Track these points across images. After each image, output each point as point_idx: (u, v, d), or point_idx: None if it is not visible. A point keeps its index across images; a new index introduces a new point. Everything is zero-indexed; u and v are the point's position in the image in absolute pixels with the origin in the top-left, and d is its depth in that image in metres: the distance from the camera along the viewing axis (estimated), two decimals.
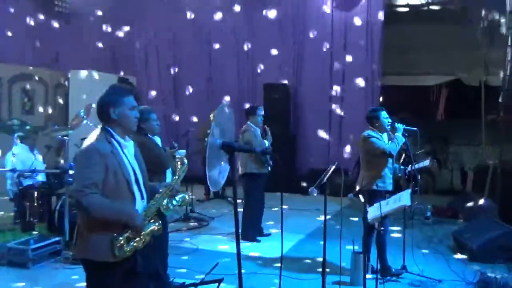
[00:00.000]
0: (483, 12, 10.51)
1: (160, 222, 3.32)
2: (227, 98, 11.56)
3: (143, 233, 3.16)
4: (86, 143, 3.22)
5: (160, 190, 3.39)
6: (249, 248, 6.83)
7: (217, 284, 1.58)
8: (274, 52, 11.71)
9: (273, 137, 7.48)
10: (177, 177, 3.62)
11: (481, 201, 8.34)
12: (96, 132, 3.22)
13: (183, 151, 6.18)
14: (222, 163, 3.40)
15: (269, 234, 7.38)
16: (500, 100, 8.95)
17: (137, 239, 3.12)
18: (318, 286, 5.08)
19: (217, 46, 12.13)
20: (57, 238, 6.51)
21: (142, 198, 3.28)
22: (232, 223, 8.12)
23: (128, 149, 3.27)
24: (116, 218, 3.07)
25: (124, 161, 3.18)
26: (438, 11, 11.40)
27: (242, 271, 2.77)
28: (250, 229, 7.18)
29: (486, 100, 10.83)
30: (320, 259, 5.98)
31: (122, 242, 3.03)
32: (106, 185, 3.06)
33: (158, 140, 5.24)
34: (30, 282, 5.60)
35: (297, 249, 6.87)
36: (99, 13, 12.34)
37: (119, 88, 3.44)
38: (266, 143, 7.22)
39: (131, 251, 3.10)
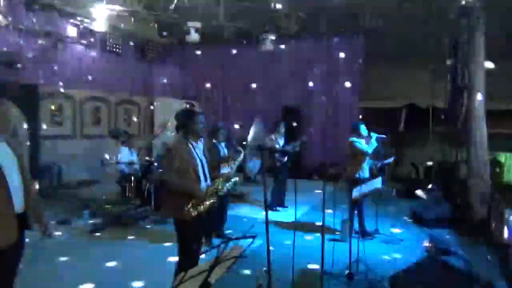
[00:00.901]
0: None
1: (216, 198, 3.37)
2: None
3: (204, 203, 3.22)
4: (170, 143, 3.34)
5: (222, 175, 3.48)
6: (273, 216, 6.79)
7: (251, 239, 1.59)
8: (290, 83, 11.71)
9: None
10: (231, 169, 3.69)
11: (429, 186, 8.15)
12: (178, 136, 3.33)
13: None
14: (255, 158, 3.47)
15: (287, 207, 7.29)
16: (443, 117, 8.92)
17: (200, 206, 3.18)
18: (318, 241, 5.10)
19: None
20: (146, 207, 6.61)
21: (206, 180, 3.35)
22: (261, 197, 8.08)
23: (198, 148, 3.35)
24: (184, 191, 3.16)
25: (194, 155, 3.25)
26: (399, 57, 11.26)
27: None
28: (273, 202, 7.15)
29: (433, 117, 10.67)
30: (319, 223, 5.99)
31: (190, 207, 3.11)
32: (180, 170, 3.17)
33: (222, 144, 5.33)
34: (129, 234, 5.68)
35: (304, 217, 6.83)
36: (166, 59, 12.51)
37: (191, 110, 3.53)
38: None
39: (196, 213, 3.16)
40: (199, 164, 3.29)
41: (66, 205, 7.26)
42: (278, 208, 7.14)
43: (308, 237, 5.65)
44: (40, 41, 8.89)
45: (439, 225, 6.12)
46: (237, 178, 3.70)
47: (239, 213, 6.94)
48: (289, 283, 3.79)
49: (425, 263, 3.87)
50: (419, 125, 12.02)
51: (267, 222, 2.48)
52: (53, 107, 9.08)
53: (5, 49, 8.17)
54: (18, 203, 2.46)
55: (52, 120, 9.10)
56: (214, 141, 5.22)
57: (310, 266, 4.37)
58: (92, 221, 6.24)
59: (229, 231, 5.66)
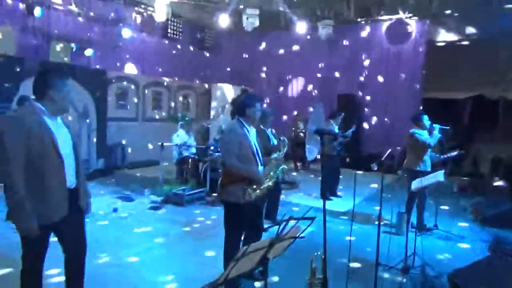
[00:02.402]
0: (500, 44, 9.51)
1: (272, 181, 3.38)
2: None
3: (262, 187, 3.24)
4: (228, 128, 3.39)
5: (272, 162, 3.47)
6: (326, 204, 6.69)
7: (310, 220, 1.58)
8: (347, 71, 11.38)
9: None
10: (281, 153, 3.66)
11: (496, 183, 7.59)
12: (234, 121, 3.35)
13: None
14: (314, 144, 3.42)
15: (340, 196, 7.16)
16: None
17: (258, 190, 3.20)
18: (373, 232, 4.97)
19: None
20: (202, 189, 6.76)
21: (261, 165, 3.36)
22: (312, 185, 8.04)
23: (252, 134, 3.36)
24: (246, 175, 3.18)
25: (250, 140, 3.28)
26: (467, 45, 10.47)
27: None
28: (326, 191, 7.06)
29: (503, 110, 9.87)
30: (373, 214, 5.83)
31: (249, 191, 3.13)
32: (240, 154, 3.19)
33: (269, 131, 5.30)
34: (186, 215, 5.89)
35: (357, 207, 6.64)
36: (223, 46, 12.65)
37: (253, 96, 3.50)
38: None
39: (255, 197, 3.19)
40: (254, 148, 3.32)
41: (129, 183, 7.69)
42: (331, 197, 7.03)
43: (355, 227, 5.52)
44: (107, 28, 9.42)
45: (503, 224, 5.69)
46: (284, 166, 3.67)
47: (291, 201, 6.93)
48: (342, 271, 3.75)
49: (490, 262, 3.63)
50: (486, 118, 11.23)
51: (324, 208, 2.46)
52: (119, 91, 9.60)
53: (77, 36, 8.74)
54: (71, 180, 2.53)
55: (118, 103, 9.63)
56: (262, 127, 5.19)
57: (364, 257, 4.27)
58: (152, 199, 6.56)
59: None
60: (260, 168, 3.33)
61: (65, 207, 2.47)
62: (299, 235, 1.82)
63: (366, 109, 11.14)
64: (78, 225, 2.67)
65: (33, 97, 2.51)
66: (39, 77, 2.48)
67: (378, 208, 3.84)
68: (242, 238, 3.47)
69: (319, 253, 2.40)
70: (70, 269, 2.73)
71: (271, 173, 3.37)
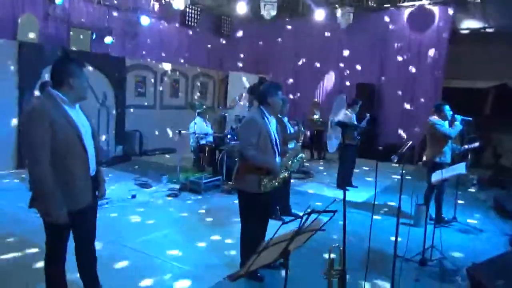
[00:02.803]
0: None
1: (289, 172, 3.37)
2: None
3: (278, 177, 3.23)
4: (249, 116, 3.36)
5: (290, 151, 3.45)
6: (341, 195, 6.67)
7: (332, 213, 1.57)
8: (366, 61, 11.17)
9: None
10: (299, 143, 3.65)
11: None
12: (255, 110, 3.34)
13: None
14: (336, 134, 3.39)
15: (357, 187, 7.11)
16: None
17: (274, 181, 3.20)
18: (391, 224, 4.93)
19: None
20: (218, 177, 6.76)
21: (279, 155, 3.34)
22: (328, 175, 7.97)
23: (272, 123, 3.33)
24: (263, 165, 3.16)
25: (270, 130, 3.25)
26: (491, 33, 10.12)
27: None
28: (343, 181, 7.02)
29: None
30: (390, 205, 5.78)
31: (265, 181, 3.13)
32: (259, 144, 3.17)
33: (285, 119, 5.25)
34: (202, 202, 5.95)
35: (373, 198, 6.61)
36: (240, 34, 12.54)
37: (275, 84, 3.45)
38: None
39: (270, 188, 3.19)
40: (274, 138, 3.29)
41: (146, 170, 7.80)
42: (347, 187, 6.98)
43: (377, 217, 5.49)
44: (126, 16, 9.46)
45: None
46: (303, 155, 3.64)
47: (306, 190, 6.93)
48: (359, 261, 3.75)
49: (510, 257, 3.56)
50: (510, 108, 10.90)
51: (344, 199, 2.44)
52: (137, 79, 9.68)
53: (96, 23, 8.81)
54: (92, 167, 2.57)
55: (136, 90, 9.72)
56: (279, 115, 5.15)
57: (381, 248, 4.24)
58: (169, 187, 6.64)
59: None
60: (278, 158, 3.32)
61: (90, 194, 2.53)
62: (320, 227, 1.82)
63: (385, 99, 10.94)
64: (93, 212, 2.73)
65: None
66: (57, 65, 2.47)
67: (395, 199, 3.82)
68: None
69: (337, 244, 2.39)
70: (81, 257, 2.76)
71: (289, 162, 3.36)
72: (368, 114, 7.31)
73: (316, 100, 10.76)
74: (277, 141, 3.33)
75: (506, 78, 10.55)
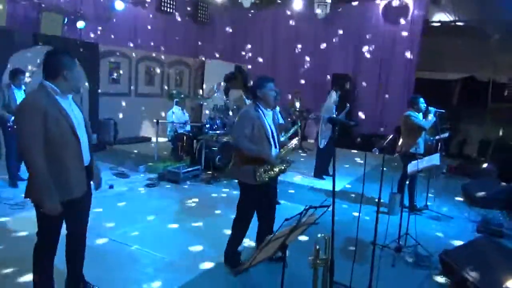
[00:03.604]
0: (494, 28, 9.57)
1: (286, 164, 3.43)
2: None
3: (274, 168, 3.29)
4: (243, 109, 3.46)
5: (289, 145, 3.50)
6: (318, 184, 6.83)
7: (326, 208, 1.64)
8: (342, 51, 11.32)
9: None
10: (296, 140, 3.70)
11: (484, 165, 7.80)
12: (250, 104, 3.44)
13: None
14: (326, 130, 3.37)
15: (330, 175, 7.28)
16: (505, 93, 8.36)
17: (271, 172, 3.26)
18: (366, 213, 5.11)
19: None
20: (197, 166, 6.75)
21: (276, 147, 3.41)
22: (304, 164, 8.01)
23: (268, 116, 3.41)
24: (258, 156, 3.23)
25: (265, 123, 3.32)
26: (461, 26, 10.47)
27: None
28: (320, 171, 7.17)
29: (493, 92, 10.04)
30: (366, 194, 5.94)
31: (261, 171, 3.19)
32: (253, 136, 3.24)
33: (277, 110, 5.26)
34: (180, 192, 5.93)
35: (348, 187, 6.81)
36: (217, 21, 12.41)
37: (264, 77, 3.49)
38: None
39: (267, 178, 3.24)
40: (269, 131, 3.34)
41: (122, 159, 7.67)
42: (324, 176, 7.15)
43: (345, 206, 5.66)
44: (100, 0, 9.13)
45: (491, 205, 5.89)
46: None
47: (284, 179, 7.00)
48: (339, 250, 3.88)
49: (478, 243, 3.79)
50: (476, 100, 11.37)
51: (333, 192, 2.51)
52: (111, 66, 9.42)
53: (68, 7, 8.45)
54: (85, 158, 2.59)
55: (110, 78, 9.46)
56: None
57: (357, 236, 4.39)
58: (147, 176, 6.57)
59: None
60: (274, 150, 3.37)
61: (84, 184, 2.57)
62: (314, 221, 1.89)
63: (360, 89, 11.17)
64: (87, 202, 2.76)
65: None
66: (51, 57, 2.48)
67: (370, 187, 3.97)
68: (258, 217, 3.57)
69: (323, 234, 2.48)
70: (72, 245, 2.80)
71: (287, 157, 3.42)
72: (348, 105, 7.45)
73: (297, 90, 10.81)
74: (274, 133, 3.39)
75: (473, 71, 10.99)
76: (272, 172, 3.27)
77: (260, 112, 3.31)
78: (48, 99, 2.38)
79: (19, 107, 2.47)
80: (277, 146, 3.42)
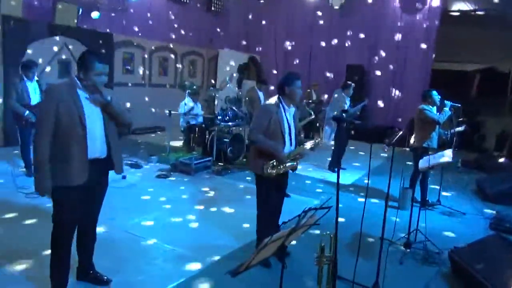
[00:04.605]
0: None
1: (297, 162, 3.43)
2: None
3: (283, 165, 3.30)
4: (264, 104, 3.53)
5: (305, 144, 3.50)
6: (330, 176, 6.81)
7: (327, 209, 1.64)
8: (357, 42, 11.12)
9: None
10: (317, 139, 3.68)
11: (501, 160, 7.62)
12: (274, 98, 3.45)
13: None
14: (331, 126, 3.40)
15: (345, 168, 7.21)
16: None
17: (279, 167, 3.28)
18: (376, 207, 5.06)
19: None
20: (208, 158, 6.78)
21: (291, 145, 3.43)
22: (317, 157, 7.94)
23: (289, 113, 3.42)
24: (268, 151, 3.28)
25: (283, 119, 3.34)
26: (481, 16, 10.16)
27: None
28: (333, 164, 7.13)
29: None
30: (377, 188, 5.89)
31: (268, 166, 3.21)
32: (268, 130, 3.28)
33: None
34: (193, 183, 5.98)
35: (361, 181, 6.72)
36: (231, 11, 12.30)
37: (293, 74, 3.48)
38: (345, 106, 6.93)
39: (273, 173, 3.27)
40: (287, 128, 3.35)
41: (136, 149, 7.77)
42: (336, 169, 7.10)
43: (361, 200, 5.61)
44: None
45: (506, 201, 5.77)
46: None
47: (298, 172, 6.98)
48: (346, 245, 3.88)
49: (490, 241, 3.73)
50: (495, 92, 11.08)
51: (338, 188, 2.49)
52: (125, 56, 9.49)
53: None
54: (99, 149, 2.67)
55: (124, 68, 9.54)
56: None
57: (367, 231, 4.37)
58: (159, 167, 6.65)
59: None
60: (288, 148, 3.37)
61: (85, 176, 2.61)
62: (315, 222, 1.89)
63: (375, 80, 11.00)
64: (101, 192, 2.89)
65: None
66: (81, 56, 2.64)
67: (382, 180, 3.91)
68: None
69: (328, 232, 2.47)
70: (84, 234, 2.90)
71: (298, 155, 3.41)
72: (367, 100, 7.34)
73: (315, 82, 10.67)
74: (292, 131, 3.40)
75: (493, 62, 10.69)
76: (280, 168, 3.28)
77: (281, 107, 3.34)
78: (67, 90, 2.57)
79: (43, 92, 2.68)
80: (292, 144, 3.43)
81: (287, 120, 3.37)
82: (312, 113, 4.12)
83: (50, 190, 2.54)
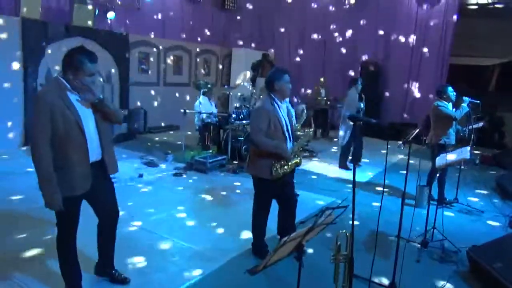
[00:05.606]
0: None
1: (300, 157, 3.43)
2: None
3: (289, 162, 3.30)
4: (259, 104, 3.40)
5: (302, 137, 3.49)
6: (343, 174, 6.77)
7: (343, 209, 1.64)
8: (372, 38, 11.01)
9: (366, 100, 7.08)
10: (299, 122, 3.66)
11: None
12: (265, 97, 3.38)
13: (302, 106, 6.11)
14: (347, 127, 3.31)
15: (360, 165, 7.15)
16: None
17: (286, 166, 3.27)
18: (392, 205, 5.01)
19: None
20: (223, 156, 6.83)
21: (290, 141, 3.39)
22: (331, 155, 7.94)
23: (282, 109, 3.37)
24: (274, 150, 3.22)
25: (280, 116, 3.29)
26: (500, 9, 9.92)
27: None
28: (346, 160, 7.09)
29: None
30: (393, 186, 5.84)
31: (278, 166, 3.20)
32: (269, 130, 3.23)
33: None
34: (208, 182, 6.03)
35: (376, 178, 6.65)
36: (244, 8, 12.30)
37: (280, 69, 3.46)
38: (361, 105, 6.88)
39: (281, 173, 3.25)
40: (285, 124, 3.31)
41: (152, 148, 7.87)
42: (350, 167, 7.07)
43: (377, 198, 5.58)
44: None
45: None
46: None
47: (309, 169, 7.00)
48: (363, 243, 3.87)
49: (510, 239, 3.67)
50: None
51: (354, 186, 2.50)
52: (141, 56, 9.61)
53: None
54: (97, 153, 2.60)
55: (140, 67, 9.67)
56: None
57: (383, 229, 4.35)
58: (175, 165, 6.73)
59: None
60: (290, 144, 3.36)
61: (88, 182, 2.56)
62: (332, 221, 1.90)
63: (390, 76, 10.87)
64: (107, 192, 2.82)
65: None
66: (68, 56, 2.47)
67: (398, 178, 3.87)
68: (278, 210, 3.60)
69: (344, 231, 2.48)
70: (103, 234, 2.94)
71: (301, 149, 3.42)
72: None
73: (322, 78, 10.65)
74: (288, 127, 3.37)
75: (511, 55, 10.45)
76: (287, 167, 3.27)
77: (276, 105, 3.29)
78: (58, 93, 2.41)
79: (33, 100, 2.52)
80: (291, 139, 3.39)
81: (283, 116, 3.32)
82: (305, 109, 4.06)
83: (61, 202, 2.44)
